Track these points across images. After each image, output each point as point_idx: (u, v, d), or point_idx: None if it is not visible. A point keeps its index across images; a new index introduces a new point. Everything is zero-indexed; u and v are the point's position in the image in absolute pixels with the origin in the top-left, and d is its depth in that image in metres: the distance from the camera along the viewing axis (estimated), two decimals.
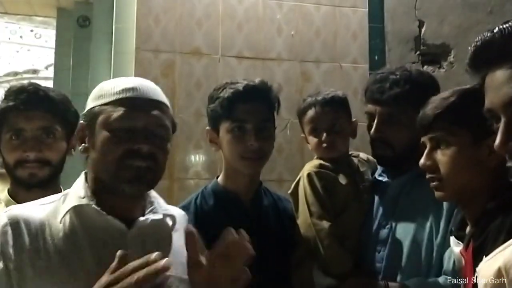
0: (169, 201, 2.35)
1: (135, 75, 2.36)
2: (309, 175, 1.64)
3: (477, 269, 0.98)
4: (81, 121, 1.20)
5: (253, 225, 1.56)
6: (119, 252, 0.97)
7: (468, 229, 1.24)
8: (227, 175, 1.62)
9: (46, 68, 8.10)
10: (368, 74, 2.54)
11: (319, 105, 1.66)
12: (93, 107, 1.18)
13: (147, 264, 0.93)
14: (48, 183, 1.56)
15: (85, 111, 1.20)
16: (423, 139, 1.27)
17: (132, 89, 1.16)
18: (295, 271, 1.60)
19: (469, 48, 0.91)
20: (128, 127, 1.12)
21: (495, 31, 0.85)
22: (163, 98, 1.22)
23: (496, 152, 1.14)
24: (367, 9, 2.68)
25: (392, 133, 1.56)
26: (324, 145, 1.65)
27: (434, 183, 1.25)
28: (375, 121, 1.57)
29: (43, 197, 1.23)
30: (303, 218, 1.61)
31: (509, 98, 0.81)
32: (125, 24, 2.48)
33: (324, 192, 1.61)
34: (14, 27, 7.94)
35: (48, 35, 7.09)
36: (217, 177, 1.66)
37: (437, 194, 1.26)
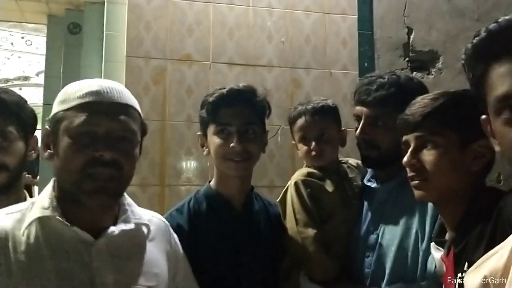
0: (160, 207, 2.35)
1: (126, 82, 2.37)
2: (296, 183, 1.66)
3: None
4: (46, 127, 1.15)
5: (245, 229, 1.59)
6: None
7: (447, 235, 1.25)
8: (219, 179, 1.63)
9: (37, 75, 8.08)
10: (357, 80, 2.54)
11: (309, 114, 1.68)
12: (57, 112, 1.12)
13: None
14: (8, 189, 1.48)
15: (50, 116, 1.14)
16: (406, 137, 1.27)
17: (96, 92, 1.11)
18: (284, 279, 1.62)
19: (482, 31, 0.87)
20: (90, 133, 1.08)
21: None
22: (130, 100, 1.16)
23: (480, 158, 1.17)
24: (357, 16, 2.69)
25: (377, 135, 1.58)
26: (313, 153, 1.67)
27: (415, 182, 1.25)
28: (361, 122, 1.60)
29: (5, 204, 1.17)
30: (289, 226, 1.63)
31: None
32: (115, 31, 2.48)
33: (310, 200, 1.63)
34: (5, 34, 7.91)
35: (39, 42, 7.08)
36: (209, 182, 1.67)
37: (418, 193, 1.25)
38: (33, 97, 8.23)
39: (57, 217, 1.07)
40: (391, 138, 1.56)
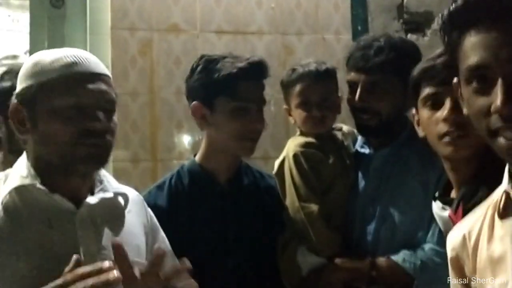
0: (153, 183, 2.32)
1: (112, 55, 2.31)
2: (295, 156, 1.57)
3: (447, 237, 1.01)
4: (16, 101, 1.10)
5: (230, 206, 1.52)
6: (74, 256, 0.93)
7: (453, 193, 1.23)
8: (207, 154, 1.55)
9: (25, 53, 7.95)
10: (351, 45, 2.48)
11: (312, 77, 1.58)
12: (31, 85, 1.08)
13: (99, 271, 0.89)
14: None
15: (20, 89, 1.10)
16: (437, 89, 1.20)
17: (74, 63, 1.09)
18: (282, 253, 1.56)
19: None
20: (77, 105, 1.07)
21: None
22: (105, 69, 1.16)
23: None
24: None
25: (377, 102, 1.52)
26: (314, 120, 1.58)
27: (452, 137, 1.18)
28: (359, 89, 1.53)
29: None
30: (290, 200, 1.56)
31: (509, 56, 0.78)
32: (99, 2, 2.39)
33: (311, 173, 1.56)
34: None
35: (26, 19, 6.95)
36: (194, 156, 1.60)
37: (452, 149, 1.18)
38: None
39: (38, 185, 1.06)
40: (391, 104, 1.52)
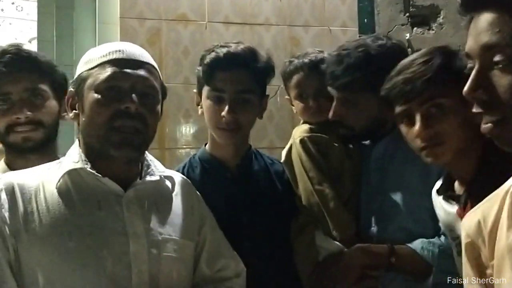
0: None
1: None
2: (302, 141, 1.59)
3: (462, 221, 1.01)
4: (71, 89, 1.22)
5: (241, 191, 1.54)
6: None
7: (457, 188, 1.24)
8: (213, 142, 1.59)
9: (30, 41, 7.94)
10: (357, 37, 2.49)
11: (307, 68, 1.60)
12: (81, 73, 1.18)
13: None
14: (43, 148, 1.51)
15: (74, 78, 1.21)
16: (407, 106, 1.23)
17: (118, 51, 1.17)
18: (296, 235, 1.58)
19: None
20: (115, 88, 1.14)
21: None
22: (150, 60, 1.22)
23: None
24: None
25: (350, 116, 1.53)
26: (311, 110, 1.61)
27: (428, 150, 1.22)
28: (334, 104, 1.54)
29: (40, 163, 1.24)
30: (303, 185, 1.57)
31: (485, 44, 0.78)
32: None
33: (320, 156, 1.57)
34: None
35: (30, 7, 6.93)
36: (205, 144, 1.63)
37: (432, 160, 1.23)
38: None
39: (88, 168, 1.14)
40: (365, 117, 1.53)
